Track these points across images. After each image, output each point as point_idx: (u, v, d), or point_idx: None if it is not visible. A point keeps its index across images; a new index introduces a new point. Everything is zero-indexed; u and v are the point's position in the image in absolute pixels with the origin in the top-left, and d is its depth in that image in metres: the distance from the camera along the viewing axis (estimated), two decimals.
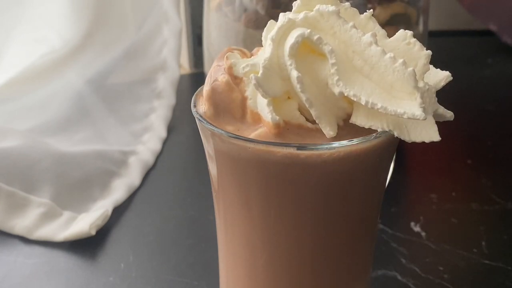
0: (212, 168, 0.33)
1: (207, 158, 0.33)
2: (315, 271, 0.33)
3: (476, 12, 0.95)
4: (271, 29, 0.30)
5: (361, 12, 0.30)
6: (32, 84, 0.73)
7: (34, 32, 0.75)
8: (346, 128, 0.29)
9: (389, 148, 0.31)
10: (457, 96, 0.65)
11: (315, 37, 0.28)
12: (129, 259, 0.48)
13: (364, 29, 0.29)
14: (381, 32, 0.30)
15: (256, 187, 0.30)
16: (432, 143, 0.28)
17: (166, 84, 0.76)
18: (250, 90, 0.29)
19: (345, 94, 0.27)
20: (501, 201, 0.55)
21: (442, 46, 0.90)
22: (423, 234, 0.50)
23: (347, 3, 0.30)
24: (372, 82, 0.28)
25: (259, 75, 0.28)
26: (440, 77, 0.30)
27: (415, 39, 0.29)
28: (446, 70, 0.30)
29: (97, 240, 0.50)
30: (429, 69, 0.29)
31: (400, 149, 0.63)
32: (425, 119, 0.26)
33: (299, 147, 0.28)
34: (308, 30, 0.28)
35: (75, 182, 0.56)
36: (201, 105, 0.32)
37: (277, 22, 0.29)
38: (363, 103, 0.27)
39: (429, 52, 0.29)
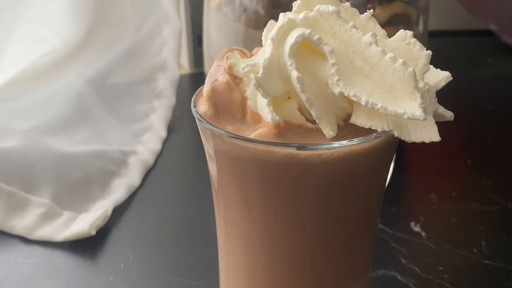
0: (212, 168, 0.33)
1: (207, 158, 0.33)
2: (315, 271, 0.33)
3: (476, 12, 0.95)
4: (271, 29, 0.30)
5: (361, 12, 0.30)
6: (32, 84, 0.73)
7: (34, 32, 0.75)
8: (346, 128, 0.29)
9: (389, 148, 0.31)
10: (457, 96, 0.65)
11: (315, 37, 0.28)
12: (129, 259, 0.48)
13: (364, 29, 0.29)
14: (381, 32, 0.30)
15: (256, 187, 0.30)
16: (432, 143, 0.28)
17: (166, 84, 0.76)
18: (250, 90, 0.30)
19: (345, 94, 0.27)
20: (501, 201, 0.55)
21: (442, 46, 0.90)
22: (423, 234, 0.50)
23: (347, 3, 0.30)
24: (372, 82, 0.28)
25: (259, 75, 0.28)
26: (440, 77, 0.30)
27: (415, 39, 0.29)
28: (446, 70, 0.30)
29: (97, 240, 0.50)
30: (429, 69, 0.29)
31: (400, 149, 0.63)
32: (425, 119, 0.26)
33: (299, 147, 0.28)
34: (308, 30, 0.28)
35: (75, 182, 0.56)
36: (201, 105, 0.32)
37: (277, 22, 0.29)
38: (363, 103, 0.27)
39: (429, 52, 0.29)
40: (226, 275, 0.36)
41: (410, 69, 0.27)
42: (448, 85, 0.30)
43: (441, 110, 0.29)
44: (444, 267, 0.46)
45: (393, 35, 0.30)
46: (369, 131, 0.28)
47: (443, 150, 0.65)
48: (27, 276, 0.47)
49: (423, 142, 0.28)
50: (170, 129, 0.71)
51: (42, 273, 0.47)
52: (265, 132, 0.29)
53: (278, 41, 0.29)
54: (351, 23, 0.28)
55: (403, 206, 0.56)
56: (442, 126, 0.28)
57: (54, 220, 0.52)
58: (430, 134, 0.27)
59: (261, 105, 0.29)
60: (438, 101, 0.28)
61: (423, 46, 0.29)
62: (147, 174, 0.61)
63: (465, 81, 0.83)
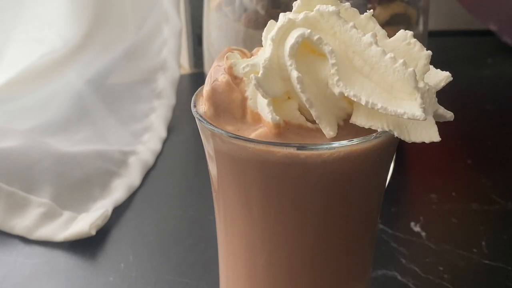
0: (212, 168, 0.33)
1: (207, 158, 0.33)
2: (315, 271, 0.33)
3: (476, 12, 0.95)
4: (271, 29, 0.30)
5: (361, 12, 0.30)
6: (32, 84, 0.73)
7: (34, 32, 0.75)
8: (346, 128, 0.29)
9: (389, 148, 0.31)
10: (457, 96, 0.65)
11: (315, 37, 0.28)
12: (129, 259, 0.48)
13: (364, 29, 0.29)
14: (381, 32, 0.30)
15: (256, 187, 0.30)
16: (432, 143, 0.28)
17: (166, 84, 0.76)
18: (250, 90, 0.30)
19: (345, 94, 0.27)
20: (501, 201, 0.55)
21: (442, 46, 0.90)
22: (423, 234, 0.50)
23: (347, 3, 0.30)
24: (372, 82, 0.28)
25: (259, 75, 0.28)
26: (440, 77, 0.30)
27: (415, 39, 0.29)
28: (446, 70, 0.30)
29: (97, 240, 0.50)
30: (429, 70, 0.29)
31: (400, 149, 0.63)
32: (425, 119, 0.26)
33: (299, 147, 0.28)
34: (308, 30, 0.28)
35: (75, 182, 0.56)
36: (201, 105, 0.32)
37: (277, 22, 0.29)
38: (363, 103, 0.27)
39: (429, 52, 0.29)
40: (226, 275, 0.36)
41: (410, 69, 0.27)
42: (448, 85, 0.30)
43: (441, 110, 0.29)
44: (444, 267, 0.46)
45: (393, 35, 0.30)
46: (369, 131, 0.28)
47: (443, 150, 0.65)
48: (27, 276, 0.47)
49: (423, 142, 0.28)
50: (170, 129, 0.71)
51: (42, 273, 0.47)
52: (265, 132, 0.29)
53: (278, 41, 0.29)
54: (351, 23, 0.28)
55: (403, 206, 0.56)
56: (442, 126, 0.28)
57: (54, 220, 0.52)
58: (430, 134, 0.27)
59: (261, 105, 0.29)
60: (438, 101, 0.28)
61: (423, 46, 0.29)
62: (147, 174, 0.61)
63: (465, 81, 0.83)
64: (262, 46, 0.32)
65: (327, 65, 0.28)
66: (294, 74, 0.28)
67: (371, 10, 0.30)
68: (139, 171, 0.60)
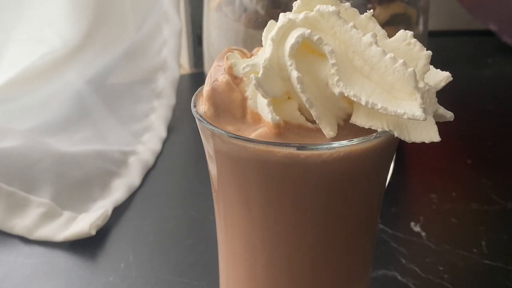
0: (212, 168, 0.33)
1: (207, 158, 0.33)
2: (315, 271, 0.33)
3: (476, 12, 0.95)
4: (271, 29, 0.30)
5: (361, 12, 0.30)
6: (32, 84, 0.73)
7: (34, 32, 0.75)
8: (346, 128, 0.29)
9: (389, 148, 0.31)
10: (457, 96, 0.65)
11: (315, 37, 0.28)
12: (129, 259, 0.48)
13: (364, 30, 0.29)
14: (381, 32, 0.30)
15: (256, 187, 0.30)
16: (432, 143, 0.28)
17: (166, 84, 0.76)
18: (250, 90, 0.30)
19: (345, 95, 0.27)
20: (501, 201, 0.55)
21: (442, 46, 0.90)
22: (423, 234, 0.50)
23: (347, 3, 0.30)
24: (372, 83, 0.28)
25: (259, 75, 0.28)
26: (440, 77, 0.30)
27: (415, 39, 0.29)
28: (446, 70, 0.30)
29: (97, 240, 0.50)
30: (429, 70, 0.29)
31: (400, 149, 0.63)
32: (425, 119, 0.26)
33: (299, 147, 0.28)
34: (308, 30, 0.28)
35: (75, 182, 0.56)
36: (201, 105, 0.32)
37: (277, 22, 0.29)
38: (363, 103, 0.27)
39: (429, 52, 0.29)
40: (226, 275, 0.36)
41: (410, 69, 0.27)
42: (448, 85, 0.30)
43: (441, 110, 0.29)
44: (444, 267, 0.46)
45: (393, 35, 0.30)
46: (369, 131, 0.28)
47: (443, 150, 0.65)
48: (27, 276, 0.47)
49: (423, 142, 0.28)
50: (170, 129, 0.71)
51: (42, 273, 0.47)
52: (265, 132, 0.29)
53: (278, 41, 0.29)
54: (351, 23, 0.28)
55: (403, 206, 0.56)
56: (442, 126, 0.28)
57: (54, 220, 0.52)
58: (430, 134, 0.27)
59: (261, 105, 0.29)
60: (438, 101, 0.28)
61: (423, 46, 0.29)
62: (147, 174, 0.61)
63: (465, 81, 0.83)
64: (262, 46, 0.32)
65: (327, 65, 0.28)
66: (294, 74, 0.28)
67: (371, 10, 0.30)
68: (139, 171, 0.60)
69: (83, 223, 0.51)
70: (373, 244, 0.36)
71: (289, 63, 0.28)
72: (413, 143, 0.28)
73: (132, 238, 0.51)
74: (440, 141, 0.27)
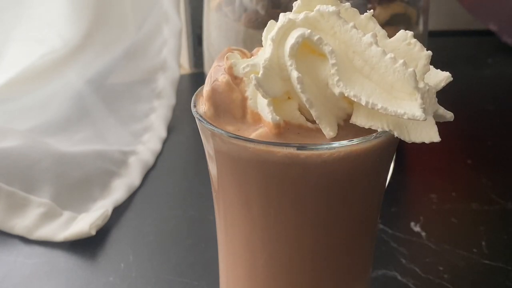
0: (212, 168, 0.33)
1: (207, 158, 0.33)
2: (315, 271, 0.33)
3: (476, 12, 0.95)
4: (271, 29, 0.30)
5: (361, 12, 0.30)
6: (32, 84, 0.73)
7: (34, 32, 0.75)
8: (346, 128, 0.29)
9: (389, 148, 0.31)
10: (457, 96, 0.65)
11: (316, 38, 0.28)
12: (129, 259, 0.48)
13: (364, 30, 0.29)
14: (382, 32, 0.30)
15: (256, 187, 0.30)
16: (432, 143, 0.28)
17: (166, 84, 0.76)
18: (250, 90, 0.30)
19: (345, 95, 0.27)
20: (501, 201, 0.55)
21: (442, 46, 0.90)
22: (423, 234, 0.50)
23: (347, 4, 0.30)
24: (373, 83, 0.28)
25: (259, 75, 0.28)
26: (441, 77, 0.30)
27: (416, 39, 0.29)
28: (446, 70, 0.30)
29: (97, 240, 0.50)
30: (429, 70, 0.29)
31: (400, 149, 0.63)
32: (425, 120, 0.26)
33: (299, 147, 0.28)
34: (309, 31, 0.28)
35: (75, 182, 0.56)
36: (201, 105, 0.32)
37: (277, 22, 0.29)
38: (363, 103, 0.27)
39: (430, 52, 0.29)
40: (226, 275, 0.36)
41: (411, 69, 0.27)
42: (448, 85, 0.30)
43: (441, 110, 0.29)
44: (444, 267, 0.46)
45: (393, 35, 0.30)
46: (369, 131, 0.28)
47: (443, 150, 0.65)
48: (27, 276, 0.47)
49: (423, 142, 0.28)
50: (170, 129, 0.71)
51: (42, 273, 0.47)
52: (265, 132, 0.29)
53: (278, 41, 0.29)
54: (351, 24, 0.28)
55: (403, 206, 0.56)
56: (442, 126, 0.28)
57: (54, 220, 0.52)
58: (430, 134, 0.27)
59: (261, 105, 0.29)
60: (438, 102, 0.28)
61: (423, 47, 0.29)
62: (147, 174, 0.61)
63: (465, 81, 0.83)
64: (262, 46, 0.32)
65: (327, 65, 0.28)
66: (294, 74, 0.28)
67: (371, 10, 0.30)
68: (139, 171, 0.60)
69: (83, 223, 0.51)
70: (373, 244, 0.36)
71: (289, 63, 0.28)
72: (413, 143, 0.28)
73: (132, 238, 0.51)
74: (440, 141, 0.27)
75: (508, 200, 0.55)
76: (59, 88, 0.73)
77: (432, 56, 0.29)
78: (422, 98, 0.26)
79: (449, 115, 0.29)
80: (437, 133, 0.27)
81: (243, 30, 0.56)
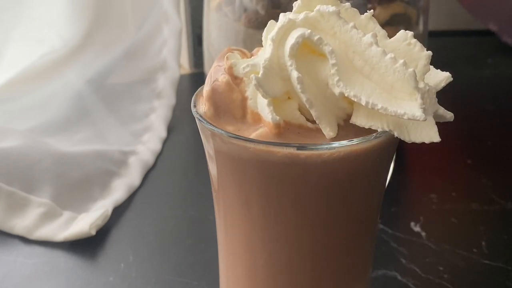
0: (212, 168, 0.33)
1: (207, 158, 0.33)
2: (315, 271, 0.33)
3: (476, 12, 0.95)
4: (271, 29, 0.30)
5: (361, 13, 0.30)
6: (32, 84, 0.73)
7: (34, 32, 0.75)
8: (346, 128, 0.29)
9: (389, 148, 0.31)
10: (457, 96, 0.65)
11: (316, 38, 0.28)
12: (129, 259, 0.48)
13: (364, 30, 0.29)
14: (382, 32, 0.30)
15: (256, 187, 0.30)
16: (432, 143, 0.28)
17: (166, 84, 0.76)
18: (250, 90, 0.30)
19: (346, 95, 0.27)
20: (501, 201, 0.55)
21: (442, 46, 0.90)
22: (423, 234, 0.50)
23: (347, 4, 0.30)
24: (373, 83, 0.28)
25: (259, 75, 0.28)
26: (441, 77, 0.30)
27: (416, 39, 0.29)
28: (446, 70, 0.30)
29: (97, 240, 0.50)
30: (429, 70, 0.29)
31: (400, 149, 0.63)
32: (425, 120, 0.26)
33: (299, 147, 0.28)
34: (309, 31, 0.28)
35: (75, 182, 0.56)
36: (201, 105, 0.32)
37: (277, 23, 0.29)
38: (363, 103, 0.27)
39: (430, 52, 0.29)
40: (226, 275, 0.36)
41: (411, 69, 0.27)
42: (448, 85, 0.30)
43: (441, 110, 0.29)
44: (444, 267, 0.46)
45: (393, 35, 0.30)
46: (369, 131, 0.28)
47: (443, 150, 0.65)
48: (27, 276, 0.47)
49: (423, 142, 0.28)
50: (170, 129, 0.71)
51: (42, 273, 0.47)
52: (265, 132, 0.29)
53: (278, 41, 0.29)
54: (351, 24, 0.28)
55: (403, 206, 0.56)
56: (442, 126, 0.28)
57: (54, 220, 0.52)
58: (430, 134, 0.27)
59: (261, 105, 0.29)
60: (438, 102, 0.28)
61: (423, 47, 0.29)
62: (147, 174, 0.61)
63: (465, 81, 0.83)
64: (262, 46, 0.32)
65: (327, 65, 0.28)
66: (294, 74, 0.28)
67: (371, 10, 0.30)
68: (139, 171, 0.60)
69: (83, 223, 0.51)
70: (373, 244, 0.36)
71: (289, 63, 0.28)
72: (413, 143, 0.28)
73: (132, 238, 0.51)
74: (440, 141, 0.27)
75: (508, 200, 0.55)
76: (59, 88, 0.73)
77: (432, 56, 0.29)
78: (422, 98, 0.26)
79: (449, 115, 0.29)
80: (437, 133, 0.27)
81: (243, 30, 0.56)
